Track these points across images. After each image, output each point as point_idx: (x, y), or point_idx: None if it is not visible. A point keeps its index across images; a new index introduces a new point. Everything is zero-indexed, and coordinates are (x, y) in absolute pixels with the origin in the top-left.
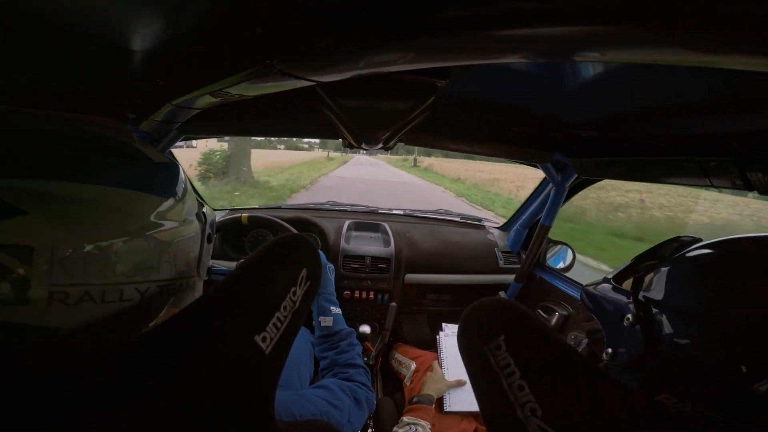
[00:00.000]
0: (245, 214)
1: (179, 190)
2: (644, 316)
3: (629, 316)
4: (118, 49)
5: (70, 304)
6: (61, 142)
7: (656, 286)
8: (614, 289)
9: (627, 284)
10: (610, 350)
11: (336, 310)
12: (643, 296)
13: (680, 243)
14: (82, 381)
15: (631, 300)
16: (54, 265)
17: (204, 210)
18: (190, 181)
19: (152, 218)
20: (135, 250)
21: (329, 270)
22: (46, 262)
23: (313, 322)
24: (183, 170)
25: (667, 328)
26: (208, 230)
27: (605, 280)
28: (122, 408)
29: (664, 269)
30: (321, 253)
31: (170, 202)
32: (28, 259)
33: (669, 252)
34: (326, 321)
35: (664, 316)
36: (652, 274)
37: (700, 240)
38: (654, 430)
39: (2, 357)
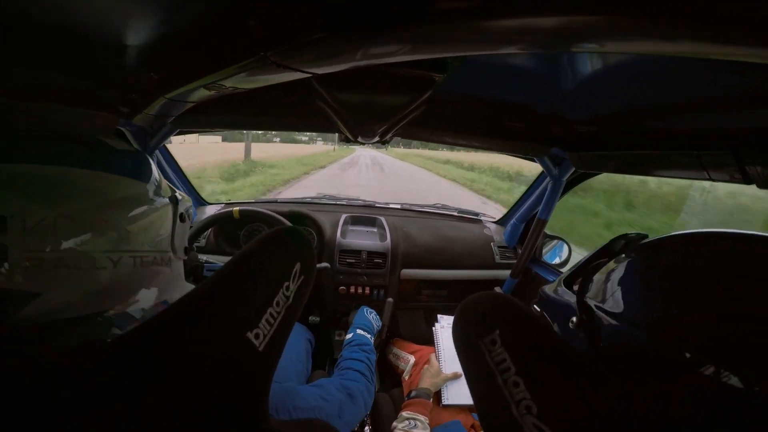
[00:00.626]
0: (236, 208)
1: (144, 173)
2: (586, 319)
3: (573, 318)
4: (112, 42)
5: (47, 269)
6: (35, 133)
7: (598, 288)
8: (563, 291)
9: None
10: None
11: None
12: (586, 298)
13: (627, 240)
14: (72, 380)
15: (575, 302)
16: (26, 233)
17: (177, 195)
18: (181, 170)
19: (118, 195)
20: (103, 222)
21: (372, 315)
22: (19, 230)
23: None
24: (151, 160)
25: (608, 329)
26: (180, 210)
27: (559, 282)
28: (113, 408)
29: (606, 269)
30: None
31: (134, 182)
32: (3, 227)
33: (616, 249)
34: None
35: (604, 316)
36: (597, 275)
37: (646, 236)
38: (650, 427)
39: None
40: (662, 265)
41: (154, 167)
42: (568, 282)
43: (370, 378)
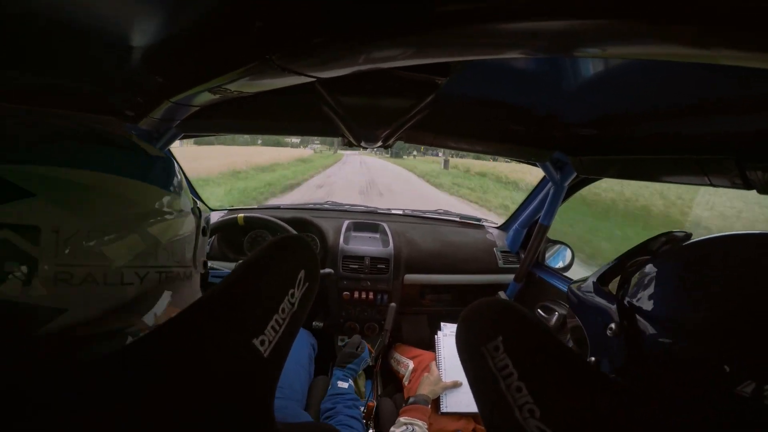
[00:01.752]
0: (241, 215)
1: (175, 183)
2: (628, 325)
3: (612, 325)
4: (118, 47)
5: (75, 284)
6: (65, 133)
7: (640, 290)
8: (597, 291)
9: (614, 285)
10: (593, 359)
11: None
12: (628, 301)
13: (669, 238)
14: (80, 381)
15: (615, 306)
16: (59, 246)
17: (198, 206)
18: (186, 178)
19: (150, 206)
20: (134, 236)
21: (365, 356)
22: (52, 243)
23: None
24: (178, 166)
25: (652, 337)
26: (203, 224)
27: (592, 280)
28: (120, 411)
29: (649, 269)
30: (366, 350)
31: (166, 192)
32: (36, 239)
33: (657, 248)
34: (342, 384)
35: (648, 324)
36: (637, 275)
37: (691, 235)
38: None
39: (11, 338)
40: (711, 267)
41: (180, 175)
42: (602, 280)
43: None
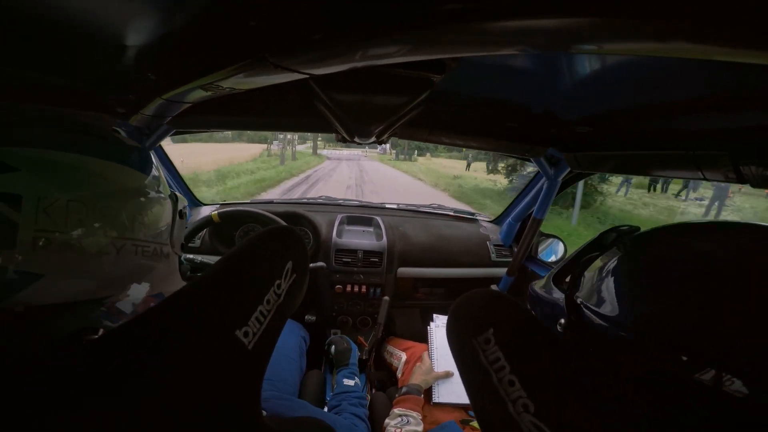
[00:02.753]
0: (215, 212)
1: (151, 168)
2: (575, 320)
3: (562, 320)
4: (109, 43)
5: (52, 250)
6: (50, 121)
7: (587, 285)
8: (551, 288)
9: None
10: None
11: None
12: (576, 296)
13: (618, 233)
14: (55, 375)
15: (564, 302)
16: (39, 213)
17: (175, 192)
18: (175, 169)
19: (128, 185)
20: (112, 209)
21: (354, 351)
22: (32, 210)
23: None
24: (154, 158)
25: (597, 332)
26: (179, 208)
27: (548, 278)
28: (96, 405)
29: (596, 265)
30: (351, 342)
31: (143, 176)
32: (18, 206)
33: (606, 244)
34: (348, 381)
35: (593, 317)
36: (587, 271)
37: (638, 229)
38: (646, 425)
39: None
40: (658, 257)
41: (155, 164)
42: (558, 278)
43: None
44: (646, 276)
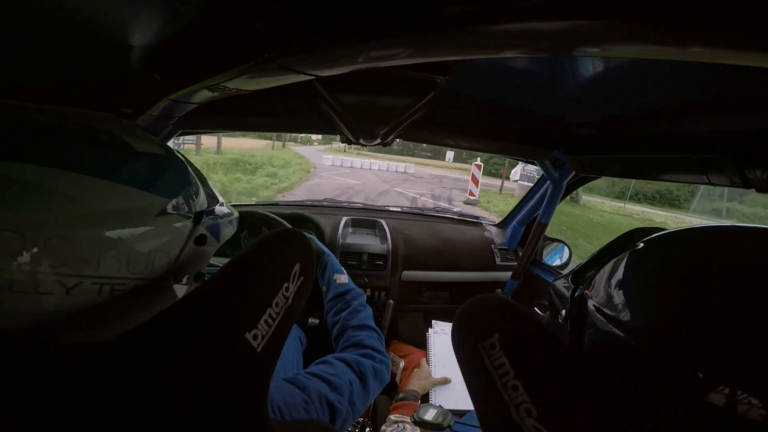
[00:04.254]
0: None
1: (162, 183)
2: (575, 313)
3: (563, 311)
4: (116, 43)
5: None
6: (12, 126)
7: (598, 283)
8: (568, 284)
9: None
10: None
11: (344, 272)
12: (585, 292)
13: (641, 233)
14: (64, 377)
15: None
16: None
17: (206, 207)
18: (200, 176)
19: (104, 207)
20: (63, 238)
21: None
22: None
23: (322, 287)
24: (188, 165)
25: (599, 325)
26: (201, 231)
27: (567, 276)
28: (107, 408)
29: (609, 264)
30: (317, 241)
31: (139, 193)
32: None
33: (623, 246)
34: (341, 279)
35: (599, 315)
36: (602, 271)
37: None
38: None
39: None
40: (671, 260)
41: (186, 177)
42: (576, 276)
43: (382, 351)
44: (660, 281)
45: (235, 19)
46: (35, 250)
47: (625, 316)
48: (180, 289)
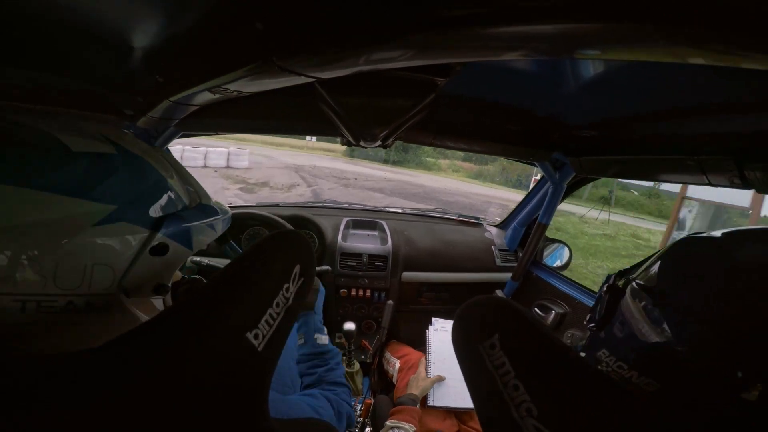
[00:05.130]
0: None
1: (103, 186)
2: (617, 287)
3: (605, 286)
4: (118, 45)
5: None
6: None
7: (646, 270)
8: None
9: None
10: (588, 317)
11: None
12: (632, 277)
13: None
14: (67, 374)
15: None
16: None
17: (175, 210)
18: (180, 173)
19: (21, 217)
20: None
21: (321, 294)
22: None
23: (299, 335)
24: (157, 162)
25: (638, 309)
26: (160, 240)
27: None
28: (111, 404)
29: (662, 263)
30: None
31: (68, 200)
32: None
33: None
34: (322, 339)
35: (643, 295)
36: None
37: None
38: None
39: None
40: (711, 260)
41: (143, 178)
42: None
43: (351, 405)
44: (698, 276)
45: (237, 21)
46: None
47: (674, 325)
48: (137, 303)
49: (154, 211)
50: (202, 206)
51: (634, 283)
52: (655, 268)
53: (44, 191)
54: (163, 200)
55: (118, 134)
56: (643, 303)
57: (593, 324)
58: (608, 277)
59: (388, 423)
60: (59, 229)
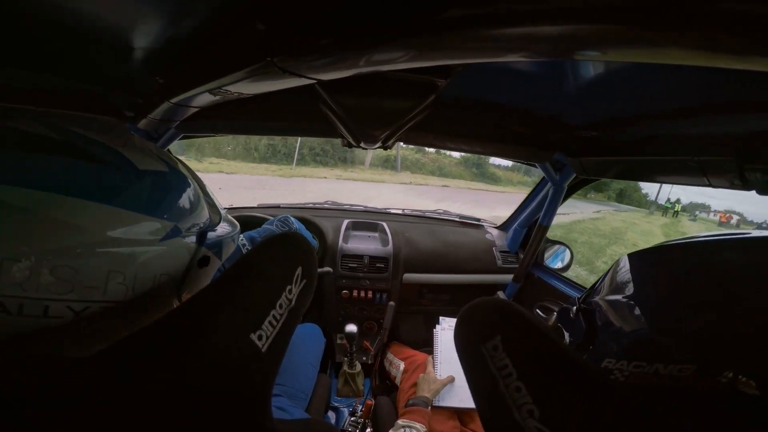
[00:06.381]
0: None
1: (166, 204)
2: (584, 308)
3: (574, 308)
4: (118, 46)
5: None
6: (18, 142)
7: (606, 283)
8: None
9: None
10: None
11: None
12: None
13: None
14: (70, 375)
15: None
16: None
17: (208, 226)
18: (201, 186)
19: (107, 233)
20: (70, 266)
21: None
22: None
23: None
24: (193, 180)
25: (606, 316)
26: (203, 253)
27: None
28: (115, 405)
29: (622, 265)
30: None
31: (140, 216)
32: None
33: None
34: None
35: (604, 304)
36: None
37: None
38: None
39: None
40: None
41: (189, 194)
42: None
43: None
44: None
45: (237, 22)
46: (41, 276)
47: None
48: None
49: (198, 227)
50: (225, 219)
51: (600, 300)
52: (616, 278)
53: (125, 209)
54: (203, 216)
55: (162, 151)
56: (618, 306)
57: (576, 342)
58: (574, 300)
59: (399, 422)
60: (137, 244)
